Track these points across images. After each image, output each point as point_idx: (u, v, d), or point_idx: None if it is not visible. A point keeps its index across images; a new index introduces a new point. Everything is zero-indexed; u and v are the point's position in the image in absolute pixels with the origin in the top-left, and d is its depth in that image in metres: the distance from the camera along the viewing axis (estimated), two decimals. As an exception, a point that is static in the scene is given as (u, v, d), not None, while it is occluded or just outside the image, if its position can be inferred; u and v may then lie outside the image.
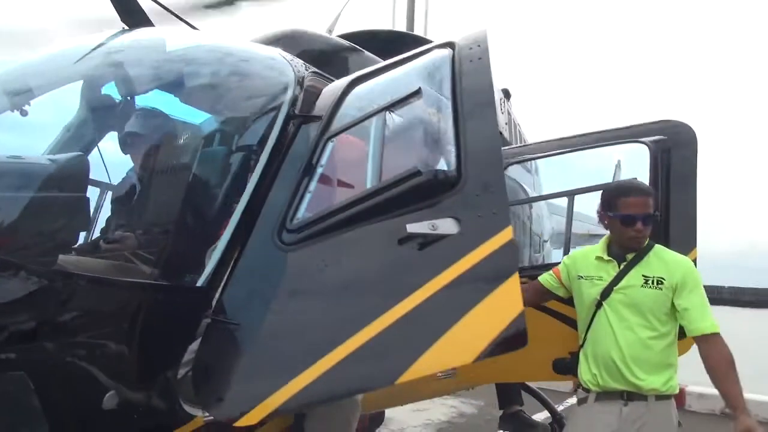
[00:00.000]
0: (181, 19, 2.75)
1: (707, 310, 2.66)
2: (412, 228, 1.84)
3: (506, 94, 5.28)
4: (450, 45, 2.40)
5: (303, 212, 2.07)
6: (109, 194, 2.42)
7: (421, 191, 1.92)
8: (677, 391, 2.76)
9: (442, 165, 2.01)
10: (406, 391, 3.53)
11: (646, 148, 3.40)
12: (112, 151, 2.33)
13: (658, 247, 2.81)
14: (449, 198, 1.90)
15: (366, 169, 2.08)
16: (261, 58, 2.55)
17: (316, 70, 2.69)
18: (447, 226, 1.84)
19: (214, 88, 2.45)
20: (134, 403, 1.87)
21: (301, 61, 2.68)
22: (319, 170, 2.17)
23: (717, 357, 2.58)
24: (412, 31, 5.18)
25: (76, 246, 2.18)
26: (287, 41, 3.20)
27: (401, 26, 5.39)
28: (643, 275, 2.69)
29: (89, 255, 2.17)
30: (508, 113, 5.26)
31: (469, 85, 2.14)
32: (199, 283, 2.00)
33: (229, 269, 2.03)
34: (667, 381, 2.65)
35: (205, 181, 2.33)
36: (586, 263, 2.87)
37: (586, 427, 2.72)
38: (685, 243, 3.43)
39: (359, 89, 2.44)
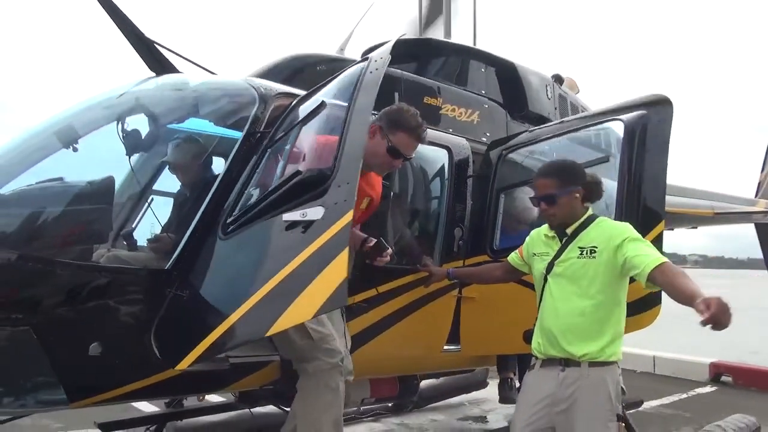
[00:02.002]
0: (197, 65, 3.51)
1: (649, 250, 2.72)
2: (287, 216, 2.35)
3: (557, 79, 5.33)
4: (366, 59, 2.83)
5: (236, 211, 2.68)
6: (128, 203, 3.26)
7: (305, 187, 2.42)
8: (617, 358, 2.87)
9: (327, 165, 2.48)
10: (413, 361, 3.95)
11: (622, 124, 3.46)
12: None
13: (600, 219, 2.96)
14: (323, 190, 2.37)
15: (280, 173, 2.63)
16: (231, 88, 3.20)
17: (290, 90, 3.27)
18: (315, 212, 2.33)
19: (196, 115, 3.17)
20: (120, 353, 2.61)
21: (275, 85, 3.29)
22: (254, 177, 2.76)
23: (670, 273, 2.60)
24: (450, 37, 5.41)
25: (107, 241, 3.01)
26: (285, 65, 3.81)
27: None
28: (579, 247, 2.87)
29: (127, 249, 3.01)
30: (560, 97, 5.31)
31: (359, 96, 2.57)
32: (167, 267, 2.70)
33: (187, 256, 2.70)
34: (602, 348, 2.79)
35: (187, 191, 3.06)
36: (539, 241, 3.10)
37: (530, 390, 2.97)
38: (654, 215, 3.44)
39: (303, 105, 2.97)
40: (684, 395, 7.67)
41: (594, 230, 2.91)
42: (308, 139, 2.70)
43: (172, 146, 3.22)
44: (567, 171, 2.99)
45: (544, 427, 2.85)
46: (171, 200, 3.31)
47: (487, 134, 4.49)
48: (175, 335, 2.57)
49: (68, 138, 3.08)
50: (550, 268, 2.96)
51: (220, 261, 2.62)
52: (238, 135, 2.97)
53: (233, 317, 2.33)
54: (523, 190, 3.87)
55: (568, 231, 2.95)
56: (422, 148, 3.83)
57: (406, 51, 4.71)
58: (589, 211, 2.99)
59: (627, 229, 2.85)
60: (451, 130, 4.25)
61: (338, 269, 2.12)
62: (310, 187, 2.40)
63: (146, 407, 5.31)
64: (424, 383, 6.32)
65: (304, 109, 2.88)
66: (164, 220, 3.07)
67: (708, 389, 8.14)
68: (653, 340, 10.46)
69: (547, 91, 5.08)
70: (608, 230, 2.87)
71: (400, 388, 4.28)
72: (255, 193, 2.70)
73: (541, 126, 4.26)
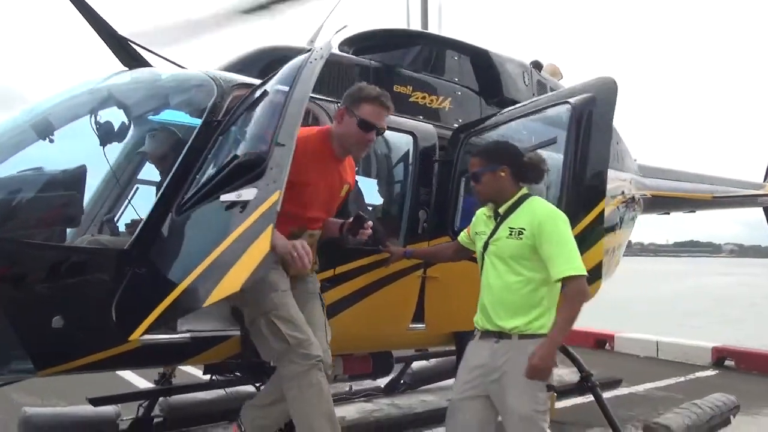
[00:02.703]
0: (166, 59, 3.71)
1: (562, 257, 2.86)
2: (225, 197, 2.55)
3: (536, 65, 5.40)
4: (310, 50, 3.00)
5: (188, 194, 2.88)
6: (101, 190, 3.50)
7: (243, 170, 2.61)
8: (547, 331, 2.98)
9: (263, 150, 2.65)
10: (380, 339, 4.11)
11: (570, 107, 3.56)
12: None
13: (531, 199, 3.07)
14: (258, 173, 2.56)
15: (224, 158, 2.82)
16: (192, 80, 3.38)
17: (249, 81, 3.45)
18: (249, 193, 2.51)
19: (161, 105, 3.38)
20: (83, 326, 2.84)
21: (234, 76, 3.47)
22: (206, 162, 2.96)
23: (564, 296, 2.79)
24: (426, 28, 5.52)
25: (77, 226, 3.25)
26: (255, 58, 3.99)
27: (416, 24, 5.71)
28: (509, 227, 3.00)
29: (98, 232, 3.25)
30: (539, 83, 5.38)
31: (297, 85, 2.74)
32: (127, 247, 2.92)
33: (146, 237, 2.92)
34: (530, 321, 2.93)
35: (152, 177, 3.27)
36: (480, 220, 3.24)
37: (468, 359, 3.12)
38: (595, 194, 3.54)
39: (253, 95, 3.15)
40: (682, 378, 7.70)
41: (523, 211, 3.02)
42: (249, 126, 2.88)
43: (140, 136, 3.44)
44: (492, 151, 3.12)
45: (480, 394, 2.99)
46: (138, 186, 3.55)
47: (460, 120, 4.61)
48: (132, 309, 2.78)
49: (44, 130, 3.31)
50: (485, 246, 3.09)
51: (172, 240, 2.82)
52: (197, 123, 3.17)
53: (177, 291, 2.53)
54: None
55: (501, 210, 3.08)
56: (388, 135, 4.00)
57: (380, 41, 4.85)
58: (523, 191, 3.10)
59: (545, 220, 2.94)
60: (421, 117, 4.39)
61: (263, 243, 2.31)
62: (246, 170, 2.58)
63: (140, 384, 5.58)
64: (416, 365, 6.52)
65: (252, 98, 3.06)
66: (132, 204, 3.30)
67: (708, 373, 8.14)
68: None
69: (524, 77, 5.16)
70: (534, 213, 2.98)
71: (373, 365, 4.43)
72: (205, 176, 2.89)
73: (503, 111, 4.37)
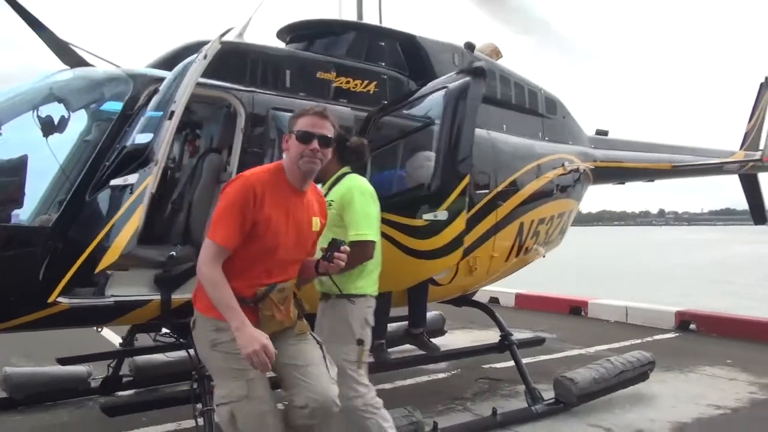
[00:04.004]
0: (102, 59, 4.19)
1: (353, 224, 3.31)
2: (114, 182, 3.03)
3: (468, 46, 5.69)
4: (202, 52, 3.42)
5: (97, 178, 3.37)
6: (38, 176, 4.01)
7: (132, 159, 3.09)
8: (364, 292, 3.41)
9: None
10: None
11: (446, 91, 3.94)
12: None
13: (349, 176, 3.50)
14: (143, 161, 3.03)
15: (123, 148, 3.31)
16: (115, 77, 3.84)
17: (164, 75, 3.88)
18: (133, 178, 2.99)
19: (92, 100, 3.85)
20: (15, 291, 3.36)
21: (153, 72, 3.92)
22: (115, 150, 3.44)
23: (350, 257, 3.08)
24: (362, 19, 5.84)
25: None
26: (180, 53, 4.41)
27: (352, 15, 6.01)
28: (329, 200, 3.39)
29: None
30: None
31: (182, 81, 3.19)
32: (49, 225, 3.43)
33: (66, 217, 3.42)
34: (344, 283, 3.33)
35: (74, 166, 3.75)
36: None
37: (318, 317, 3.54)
38: (461, 170, 3.92)
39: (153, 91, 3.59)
40: (638, 341, 8.04)
41: (338, 186, 3.43)
42: (143, 119, 3.35)
43: (76, 127, 3.92)
44: None
45: None
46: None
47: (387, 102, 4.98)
48: (52, 278, 3.31)
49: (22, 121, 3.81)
50: None
51: (83, 218, 3.32)
52: (114, 116, 3.65)
53: (79, 261, 3.05)
54: (386, 152, 4.39)
55: (325, 187, 3.47)
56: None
57: (313, 30, 5.23)
58: (344, 169, 3.49)
59: (344, 193, 3.34)
60: (345, 100, 4.78)
61: (135, 221, 2.79)
62: (133, 159, 3.06)
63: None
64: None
65: (152, 94, 3.51)
66: (60, 188, 3.79)
67: (667, 336, 8.47)
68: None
69: (454, 58, 5.48)
70: (342, 186, 3.40)
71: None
72: (110, 163, 3.37)
73: (406, 94, 4.72)
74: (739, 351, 7.38)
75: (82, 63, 4.20)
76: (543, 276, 11.51)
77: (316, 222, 2.95)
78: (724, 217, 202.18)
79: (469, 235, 5.27)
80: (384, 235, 4.21)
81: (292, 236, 2.79)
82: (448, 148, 3.97)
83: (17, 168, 3.62)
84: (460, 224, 4.13)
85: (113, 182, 3.04)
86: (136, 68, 3.94)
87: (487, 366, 6.49)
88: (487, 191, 5.41)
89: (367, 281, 3.40)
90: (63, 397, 5.30)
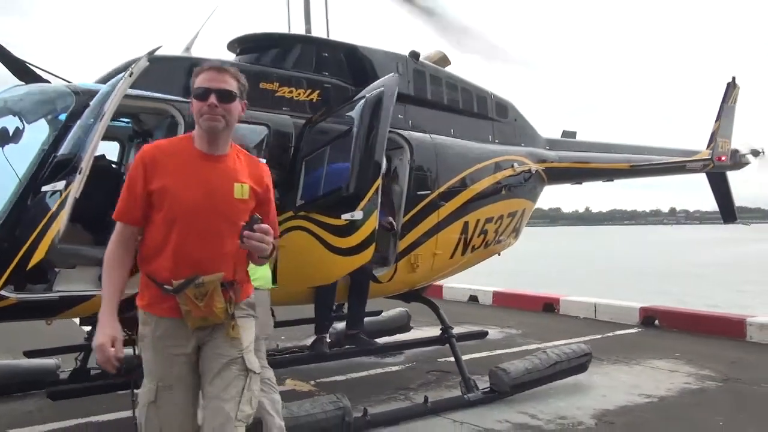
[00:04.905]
0: (54, 75, 4.55)
1: None
2: (45, 188, 3.40)
3: (413, 55, 6.00)
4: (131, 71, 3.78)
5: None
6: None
7: (63, 167, 3.45)
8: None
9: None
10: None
11: (364, 100, 4.29)
12: None
13: None
14: (70, 170, 3.39)
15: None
16: (60, 92, 4.20)
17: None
18: (61, 185, 3.35)
19: (36, 114, 4.22)
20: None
21: (96, 87, 4.28)
22: (55, 158, 3.80)
23: None
24: (310, 32, 6.17)
25: None
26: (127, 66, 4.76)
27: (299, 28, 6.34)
28: None
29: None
30: (415, 71, 5.98)
31: (107, 98, 3.55)
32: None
33: (14, 217, 3.78)
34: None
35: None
36: None
37: None
38: (372, 172, 4.27)
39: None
40: (599, 336, 8.30)
41: None
42: (75, 129, 3.71)
43: (28, 137, 4.29)
44: None
45: None
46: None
47: None
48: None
49: None
50: None
51: (25, 218, 3.69)
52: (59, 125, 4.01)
53: (16, 259, 3.41)
54: (314, 157, 4.71)
55: None
56: (242, 127, 4.76)
57: (260, 43, 5.57)
58: None
59: None
60: (286, 108, 5.11)
61: (57, 224, 3.15)
62: (63, 167, 3.42)
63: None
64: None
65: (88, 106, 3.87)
66: (8, 193, 4.15)
67: (630, 331, 8.71)
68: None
69: (397, 67, 5.80)
70: None
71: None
72: (47, 170, 3.73)
73: (339, 104, 5.03)
74: (691, 345, 7.62)
75: (38, 79, 4.57)
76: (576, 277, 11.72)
77: (240, 189, 2.51)
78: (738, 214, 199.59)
79: (410, 234, 5.62)
80: (312, 233, 4.58)
81: (202, 204, 2.44)
82: (362, 153, 4.31)
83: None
84: (372, 223, 4.45)
85: (44, 188, 3.41)
86: (81, 84, 4.30)
87: (443, 360, 6.79)
88: (428, 192, 5.72)
89: (263, 272, 3.74)
90: (33, 389, 5.66)
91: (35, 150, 4.06)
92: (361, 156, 4.31)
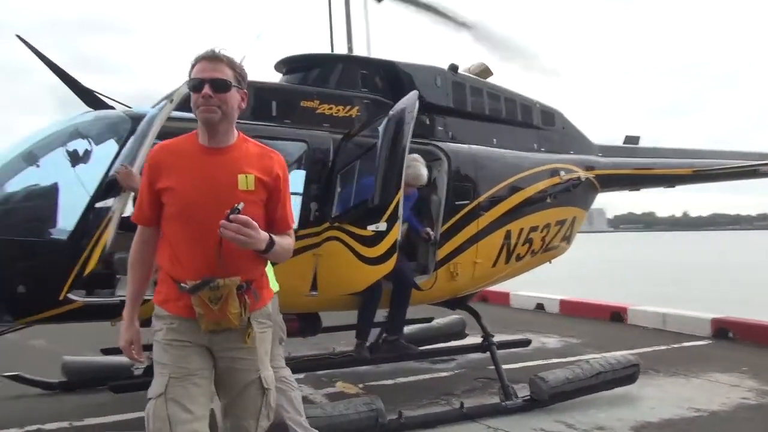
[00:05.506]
0: (120, 103, 5.10)
1: None
2: (98, 205, 3.87)
3: (452, 68, 6.15)
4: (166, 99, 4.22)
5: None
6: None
7: (112, 185, 3.92)
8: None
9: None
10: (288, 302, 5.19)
11: (388, 117, 4.53)
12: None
13: None
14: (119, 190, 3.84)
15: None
16: (118, 119, 4.71)
17: None
18: (111, 202, 3.80)
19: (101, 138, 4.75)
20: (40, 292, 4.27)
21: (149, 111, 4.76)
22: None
23: None
24: (352, 50, 6.44)
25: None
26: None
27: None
28: None
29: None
30: (455, 84, 6.12)
31: (146, 125, 4.01)
32: (65, 239, 4.33)
33: (77, 231, 4.30)
34: None
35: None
36: None
37: None
38: (394, 185, 4.44)
39: None
40: (663, 347, 8.00)
41: None
42: (124, 152, 4.18)
43: (97, 159, 4.85)
44: None
45: None
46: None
47: None
48: (65, 279, 4.20)
49: (33, 159, 4.81)
50: None
51: (85, 234, 4.20)
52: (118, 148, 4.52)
53: (76, 268, 3.92)
54: (347, 170, 4.97)
55: None
56: (280, 143, 5.12)
57: (305, 63, 5.92)
58: None
59: None
60: (326, 124, 5.40)
61: (105, 238, 3.60)
62: (114, 186, 3.88)
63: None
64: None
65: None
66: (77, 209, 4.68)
67: (700, 343, 8.31)
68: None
69: (436, 80, 5.97)
70: None
71: (300, 325, 5.54)
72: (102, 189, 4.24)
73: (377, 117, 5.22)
74: (763, 360, 7.19)
75: (104, 106, 5.14)
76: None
77: (245, 180, 2.42)
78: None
79: (448, 243, 5.75)
80: (345, 243, 4.85)
81: (204, 198, 2.38)
82: (385, 167, 4.54)
83: (49, 193, 4.59)
84: (394, 234, 4.63)
85: (98, 205, 3.89)
86: (138, 109, 4.80)
87: (492, 367, 6.82)
88: (467, 202, 5.83)
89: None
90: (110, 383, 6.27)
91: (97, 169, 4.60)
92: (384, 170, 4.53)
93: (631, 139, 8.34)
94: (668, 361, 7.15)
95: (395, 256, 4.66)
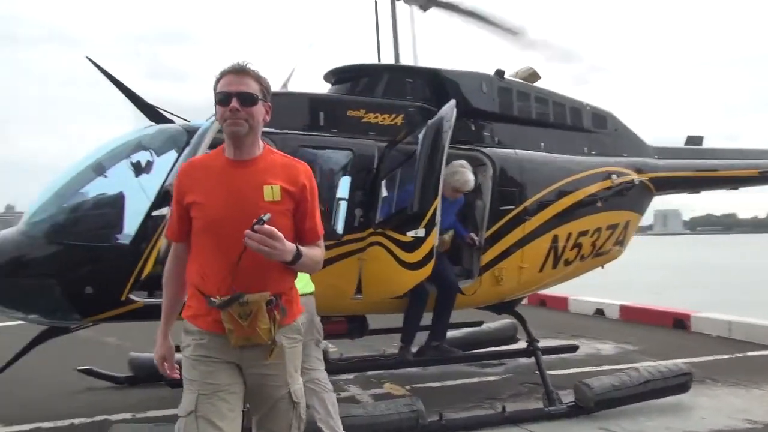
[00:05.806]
0: (177, 116, 5.45)
1: None
2: (154, 213, 4.18)
3: (498, 73, 6.17)
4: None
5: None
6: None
7: (167, 194, 4.20)
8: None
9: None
10: (332, 305, 5.34)
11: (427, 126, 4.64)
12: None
13: None
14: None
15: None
16: (177, 132, 5.03)
17: None
18: (166, 210, 4.10)
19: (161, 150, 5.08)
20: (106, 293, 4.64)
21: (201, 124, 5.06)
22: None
23: None
24: (398, 59, 6.55)
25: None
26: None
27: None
28: None
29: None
30: (501, 89, 6.15)
31: (196, 138, 4.27)
32: (128, 244, 4.68)
33: (138, 236, 4.64)
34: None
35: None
36: None
37: None
38: (432, 193, 4.51)
39: None
40: (725, 356, 7.69)
41: None
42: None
43: (158, 170, 5.20)
44: None
45: None
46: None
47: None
48: (126, 281, 4.56)
49: (100, 169, 5.22)
50: None
51: (144, 239, 4.54)
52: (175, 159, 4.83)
53: (135, 270, 4.25)
54: (391, 177, 5.10)
55: None
56: (327, 152, 5.32)
57: (352, 73, 6.11)
58: None
59: None
60: (372, 133, 5.56)
61: (159, 243, 3.89)
62: (168, 196, 4.17)
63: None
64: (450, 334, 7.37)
65: None
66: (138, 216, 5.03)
67: (764, 353, 7.93)
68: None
69: (482, 86, 6.01)
70: None
71: (348, 327, 5.72)
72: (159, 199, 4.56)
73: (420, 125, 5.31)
74: (836, 371, 6.80)
75: (165, 120, 5.50)
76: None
77: (270, 191, 2.40)
78: None
79: (493, 248, 5.79)
80: (387, 248, 4.99)
81: (234, 211, 2.36)
82: (423, 174, 4.65)
83: (114, 202, 4.97)
84: (431, 240, 4.71)
85: (155, 213, 4.21)
86: (194, 123, 5.11)
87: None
88: (512, 207, 5.85)
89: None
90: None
91: (157, 179, 4.94)
92: (422, 178, 4.64)
93: (694, 140, 8.07)
94: (729, 371, 6.88)
95: (432, 261, 4.75)
